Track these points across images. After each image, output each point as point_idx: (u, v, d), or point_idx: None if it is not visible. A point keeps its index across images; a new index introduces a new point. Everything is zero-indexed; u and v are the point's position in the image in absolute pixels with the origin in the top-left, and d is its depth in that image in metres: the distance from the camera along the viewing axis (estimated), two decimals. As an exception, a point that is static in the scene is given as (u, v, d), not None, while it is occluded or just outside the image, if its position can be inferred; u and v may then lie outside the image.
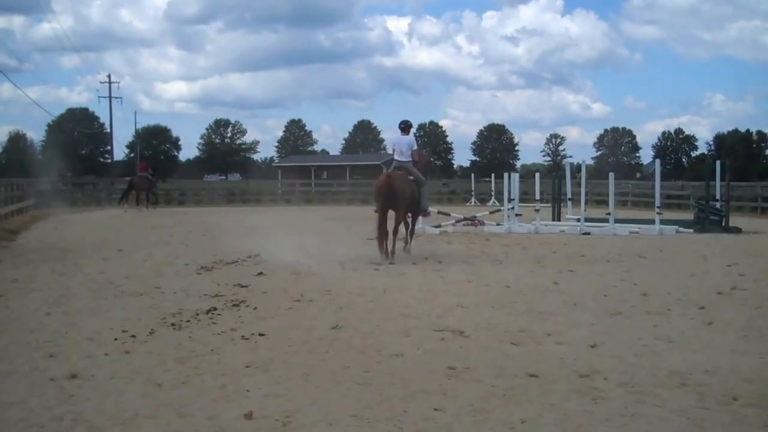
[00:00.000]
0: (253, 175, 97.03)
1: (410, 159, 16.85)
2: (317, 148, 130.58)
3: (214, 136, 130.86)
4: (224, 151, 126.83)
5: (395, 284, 12.60)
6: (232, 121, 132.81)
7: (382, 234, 16.01)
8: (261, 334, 8.73)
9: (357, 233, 22.43)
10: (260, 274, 13.62)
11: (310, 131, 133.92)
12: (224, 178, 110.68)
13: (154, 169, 44.64)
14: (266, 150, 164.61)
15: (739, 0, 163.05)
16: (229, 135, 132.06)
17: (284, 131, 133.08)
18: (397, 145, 17.06)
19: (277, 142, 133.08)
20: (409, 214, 17.15)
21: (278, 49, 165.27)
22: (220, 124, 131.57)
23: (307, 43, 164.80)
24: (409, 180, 16.56)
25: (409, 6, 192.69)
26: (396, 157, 16.93)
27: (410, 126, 17.44)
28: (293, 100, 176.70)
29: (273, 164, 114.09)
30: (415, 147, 17.28)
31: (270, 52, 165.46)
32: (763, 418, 5.85)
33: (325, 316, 9.86)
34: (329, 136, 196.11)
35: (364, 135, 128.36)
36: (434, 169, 23.14)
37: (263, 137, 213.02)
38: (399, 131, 17.28)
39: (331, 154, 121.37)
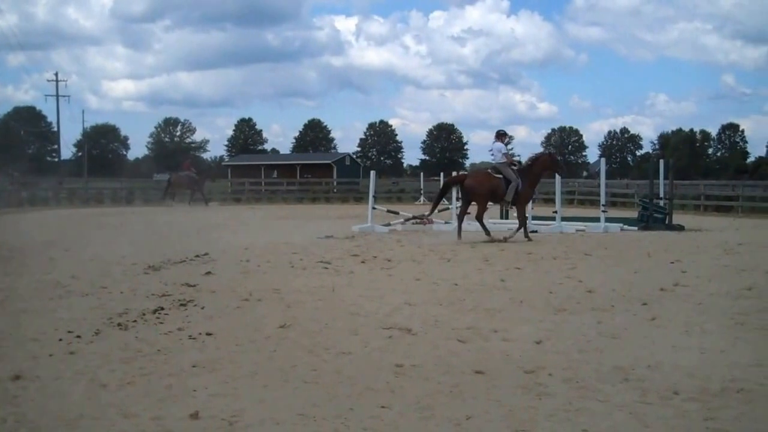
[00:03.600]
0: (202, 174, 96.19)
1: (502, 160, 20.66)
2: (267, 147, 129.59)
3: (163, 135, 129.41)
4: (174, 149, 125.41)
5: (344, 282, 12.62)
6: (182, 120, 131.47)
7: (459, 218, 21.09)
8: (208, 334, 8.70)
9: (307, 232, 22.39)
10: (208, 273, 13.54)
11: (260, 130, 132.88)
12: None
13: (200, 168, 44.81)
14: (216, 149, 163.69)
15: (680, 2, 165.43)
16: (178, 134, 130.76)
17: (234, 130, 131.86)
18: (492, 150, 21.15)
19: (227, 140, 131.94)
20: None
21: (227, 47, 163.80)
22: (170, 123, 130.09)
23: (256, 42, 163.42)
24: (494, 177, 20.54)
25: (357, 6, 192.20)
26: (492, 159, 21.13)
27: (502, 134, 21.66)
28: (243, 98, 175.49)
29: (223, 163, 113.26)
30: (504, 151, 20.97)
31: (219, 51, 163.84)
32: (704, 412, 5.98)
33: (274, 314, 9.85)
34: (279, 135, 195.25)
35: (314, 134, 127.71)
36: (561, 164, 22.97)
37: (213, 136, 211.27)
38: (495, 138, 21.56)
39: (281, 153, 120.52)
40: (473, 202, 21.13)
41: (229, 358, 7.66)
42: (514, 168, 20.83)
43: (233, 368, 7.28)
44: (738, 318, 9.69)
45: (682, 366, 7.35)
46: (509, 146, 21.71)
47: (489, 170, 21.19)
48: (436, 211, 23.27)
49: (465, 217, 21.37)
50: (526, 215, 21.23)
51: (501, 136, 21.54)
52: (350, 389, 6.56)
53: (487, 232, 20.46)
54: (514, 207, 21.69)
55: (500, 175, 20.54)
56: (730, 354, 7.86)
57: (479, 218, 21.05)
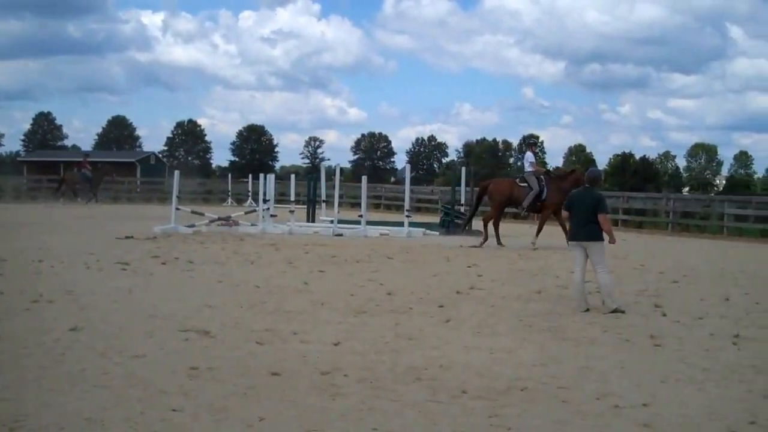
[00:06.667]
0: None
1: (530, 169, 21.44)
2: (68, 143, 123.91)
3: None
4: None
5: (142, 284, 12.30)
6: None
7: (494, 225, 21.51)
8: (-8, 337, 8.27)
9: (106, 232, 21.64)
10: (-4, 273, 12.88)
11: (60, 125, 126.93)
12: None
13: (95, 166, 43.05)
14: (11, 143, 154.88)
15: (485, 15, 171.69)
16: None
17: (32, 124, 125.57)
18: (524, 159, 22.42)
19: (24, 135, 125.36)
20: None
21: (25, 37, 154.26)
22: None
23: (57, 33, 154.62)
24: (517, 185, 21.48)
25: (164, 1, 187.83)
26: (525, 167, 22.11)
27: (532, 143, 23.38)
28: (42, 91, 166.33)
29: (18, 159, 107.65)
30: (532, 159, 21.82)
31: (16, 41, 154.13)
32: (489, 409, 6.23)
33: (65, 317, 9.47)
34: (81, 130, 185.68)
35: (118, 131, 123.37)
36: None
37: (8, 130, 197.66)
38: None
39: (83, 149, 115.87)
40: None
41: (13, 362, 7.31)
42: (542, 177, 21.40)
43: (18, 372, 6.95)
44: (527, 320, 10.17)
45: (472, 366, 7.64)
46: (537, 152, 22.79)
47: (517, 179, 22.17)
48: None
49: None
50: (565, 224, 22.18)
51: (531, 145, 22.51)
52: (142, 392, 6.40)
53: (486, 237, 21.07)
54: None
55: (525, 184, 21.34)
56: (518, 354, 8.25)
57: (491, 222, 21.52)
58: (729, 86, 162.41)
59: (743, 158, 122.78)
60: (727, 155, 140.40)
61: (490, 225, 21.55)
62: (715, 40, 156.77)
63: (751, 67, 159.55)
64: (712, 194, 77.33)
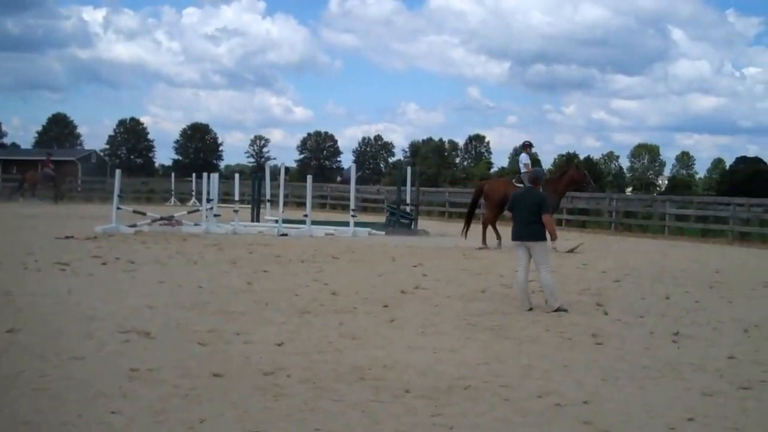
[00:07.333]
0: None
1: (525, 171, 21.33)
2: (6, 141, 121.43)
3: None
4: None
5: (81, 285, 12.09)
6: None
7: (483, 225, 21.64)
8: (-76, 340, 8.06)
9: (45, 232, 21.25)
10: (-70, 274, 12.57)
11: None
12: None
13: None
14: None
15: (430, 14, 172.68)
16: None
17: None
18: (520, 160, 22.71)
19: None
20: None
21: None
22: None
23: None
24: (513, 186, 21.10)
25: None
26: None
27: (528, 145, 22.85)
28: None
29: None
30: (526, 161, 22.05)
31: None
32: (432, 408, 6.23)
33: (2, 318, 9.26)
34: (20, 128, 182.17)
35: (59, 129, 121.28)
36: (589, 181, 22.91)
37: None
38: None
39: (22, 147, 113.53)
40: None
41: (-54, 365, 7.14)
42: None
43: (-49, 376, 6.78)
44: (471, 319, 10.21)
45: (415, 365, 7.64)
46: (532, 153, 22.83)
47: (513, 179, 22.20)
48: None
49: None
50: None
51: (526, 146, 22.64)
52: (80, 395, 6.28)
53: (498, 236, 20.99)
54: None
55: (521, 185, 20.96)
56: (461, 353, 8.28)
57: (492, 224, 21.48)
58: (671, 88, 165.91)
59: (685, 159, 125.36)
60: (669, 156, 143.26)
61: (487, 226, 21.55)
62: (657, 42, 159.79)
63: (692, 69, 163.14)
64: (655, 194, 78.71)
